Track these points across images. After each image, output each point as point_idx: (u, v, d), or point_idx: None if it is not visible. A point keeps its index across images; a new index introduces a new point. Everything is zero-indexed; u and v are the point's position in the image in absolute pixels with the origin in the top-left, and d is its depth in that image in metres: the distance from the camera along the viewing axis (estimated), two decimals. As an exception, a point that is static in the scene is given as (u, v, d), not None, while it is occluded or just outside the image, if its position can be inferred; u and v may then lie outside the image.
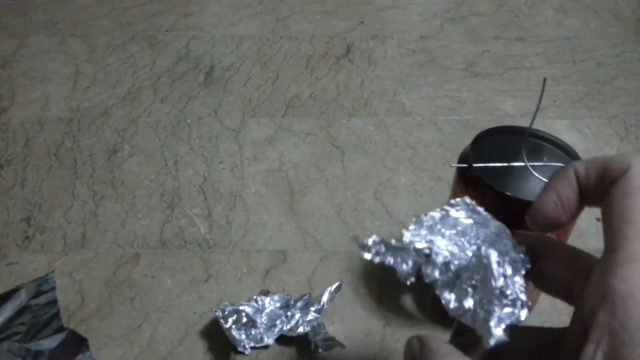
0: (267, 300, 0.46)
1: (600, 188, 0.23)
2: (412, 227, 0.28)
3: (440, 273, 0.26)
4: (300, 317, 0.45)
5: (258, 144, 0.64)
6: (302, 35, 0.80)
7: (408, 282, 0.26)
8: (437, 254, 0.25)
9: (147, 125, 0.65)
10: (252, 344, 0.43)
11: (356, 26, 0.83)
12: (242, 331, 0.43)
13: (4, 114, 0.66)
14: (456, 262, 0.26)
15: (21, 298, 0.47)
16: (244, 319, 0.44)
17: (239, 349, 0.43)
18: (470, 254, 0.26)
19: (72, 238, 0.53)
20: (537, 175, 0.39)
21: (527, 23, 0.86)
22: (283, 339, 0.45)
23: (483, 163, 0.39)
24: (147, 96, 0.69)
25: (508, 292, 0.23)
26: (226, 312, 0.44)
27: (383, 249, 0.27)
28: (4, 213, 0.55)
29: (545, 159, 0.40)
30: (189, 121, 0.66)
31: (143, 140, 0.63)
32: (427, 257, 0.26)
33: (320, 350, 0.43)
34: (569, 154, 0.41)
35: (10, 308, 0.46)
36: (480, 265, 0.25)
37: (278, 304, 0.46)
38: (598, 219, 0.57)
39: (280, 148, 0.63)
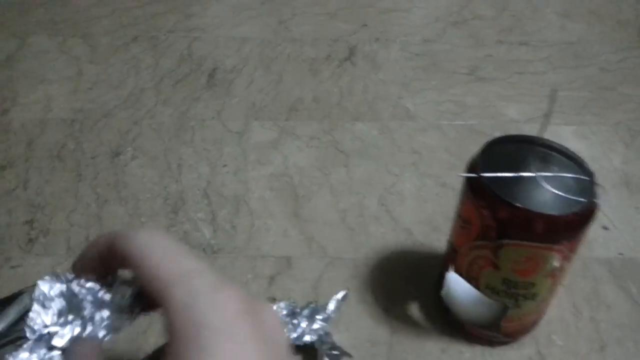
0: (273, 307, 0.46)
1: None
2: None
3: None
4: (306, 325, 0.45)
5: (262, 148, 0.63)
6: (305, 38, 0.80)
7: None
8: None
9: (150, 128, 0.64)
10: (258, 353, 0.43)
11: (359, 29, 0.83)
12: (249, 340, 0.43)
13: (5, 115, 0.65)
14: None
15: (25, 302, 0.46)
16: (251, 328, 0.43)
17: (245, 357, 0.42)
18: None
19: (75, 241, 0.52)
20: (546, 185, 0.38)
21: (530, 27, 0.85)
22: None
23: (491, 172, 0.39)
24: (150, 98, 0.68)
25: None
26: (232, 320, 0.44)
27: None
28: (6, 215, 0.54)
29: (554, 169, 0.40)
30: (192, 124, 0.65)
31: (146, 143, 0.62)
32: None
33: (326, 359, 0.43)
34: (578, 164, 0.41)
35: (13, 312, 0.46)
36: None
37: (284, 312, 0.46)
38: (605, 228, 0.57)
39: (284, 152, 0.63)
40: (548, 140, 0.41)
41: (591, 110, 0.71)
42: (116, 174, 0.59)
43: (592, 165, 0.60)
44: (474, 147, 0.41)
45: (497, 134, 0.66)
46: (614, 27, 0.86)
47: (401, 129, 0.67)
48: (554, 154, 0.41)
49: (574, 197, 0.38)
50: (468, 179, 0.40)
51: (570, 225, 0.38)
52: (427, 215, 0.57)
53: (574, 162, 0.41)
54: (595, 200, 0.38)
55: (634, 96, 0.73)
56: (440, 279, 0.47)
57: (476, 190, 0.39)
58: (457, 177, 0.41)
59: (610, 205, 0.59)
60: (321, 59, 0.77)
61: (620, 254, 0.54)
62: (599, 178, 0.40)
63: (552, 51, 0.81)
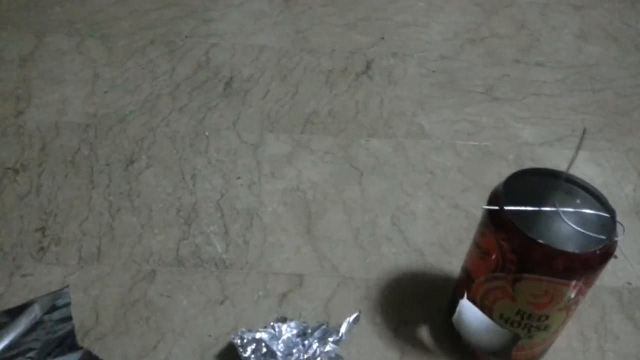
0: (284, 327, 0.46)
1: None
2: None
3: None
4: (317, 347, 0.44)
5: (276, 161, 0.63)
6: (322, 49, 0.80)
7: None
8: None
9: (165, 136, 0.64)
10: (270, 374, 0.43)
11: (377, 42, 0.82)
12: (261, 361, 0.43)
13: (20, 116, 0.65)
14: None
15: (35, 312, 0.47)
16: (264, 349, 0.43)
17: (256, 378, 0.42)
18: None
19: (87, 251, 0.52)
20: (568, 222, 0.38)
21: (547, 48, 0.85)
22: (299, 368, 0.44)
23: (514, 205, 0.39)
24: (166, 105, 0.68)
25: None
26: (244, 340, 0.44)
27: None
28: (18, 221, 0.54)
29: (577, 203, 0.40)
30: (207, 133, 0.65)
31: (161, 151, 0.62)
32: None
33: (337, 382, 0.43)
34: (600, 200, 0.40)
35: (24, 322, 0.46)
36: None
37: (295, 331, 0.46)
38: (614, 257, 0.56)
39: (299, 166, 0.63)
40: (571, 175, 0.41)
41: (605, 136, 0.71)
42: (129, 183, 0.59)
43: (603, 192, 0.60)
44: (487, 170, 0.41)
45: (512, 156, 0.67)
46: (631, 51, 0.86)
47: (416, 147, 0.67)
48: (577, 189, 0.41)
49: (595, 235, 0.38)
50: (490, 210, 0.40)
51: (589, 263, 0.38)
52: (439, 236, 0.57)
53: (596, 198, 0.41)
54: (614, 239, 0.38)
55: (649, 123, 0.73)
56: (452, 304, 0.47)
57: (498, 223, 0.39)
58: (476, 202, 0.41)
59: (621, 238, 0.58)
60: (338, 71, 0.77)
61: (628, 283, 0.54)
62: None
63: (568, 73, 0.81)
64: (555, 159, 0.66)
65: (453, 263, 0.54)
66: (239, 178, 0.61)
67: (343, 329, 0.46)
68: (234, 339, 0.44)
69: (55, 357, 0.43)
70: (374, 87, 0.75)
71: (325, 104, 0.71)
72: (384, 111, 0.71)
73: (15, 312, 0.46)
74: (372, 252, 0.55)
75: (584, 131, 0.36)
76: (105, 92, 0.69)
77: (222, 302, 0.49)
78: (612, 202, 0.62)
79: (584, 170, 0.65)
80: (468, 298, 0.44)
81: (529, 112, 0.73)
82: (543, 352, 0.46)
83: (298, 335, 0.46)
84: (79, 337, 0.46)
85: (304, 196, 0.60)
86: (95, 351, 0.45)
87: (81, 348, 0.44)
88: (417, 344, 0.48)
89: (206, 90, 0.71)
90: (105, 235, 0.54)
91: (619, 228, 0.39)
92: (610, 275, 0.55)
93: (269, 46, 0.79)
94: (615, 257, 0.57)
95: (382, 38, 0.83)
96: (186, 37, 0.79)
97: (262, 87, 0.72)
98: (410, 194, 0.61)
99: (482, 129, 0.70)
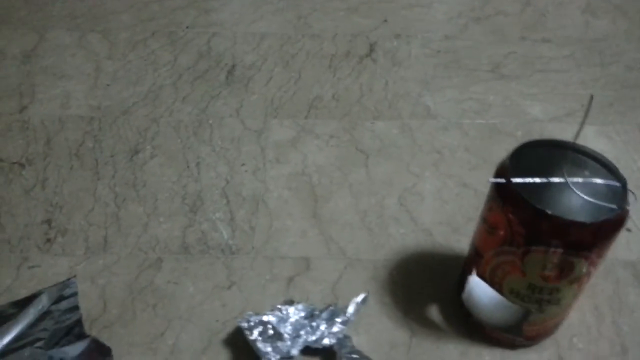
0: (291, 309, 0.46)
1: None
2: None
3: None
4: (325, 328, 0.44)
5: (281, 146, 0.63)
6: (325, 34, 0.79)
7: None
8: None
9: (168, 125, 0.64)
10: (277, 357, 0.42)
11: (379, 25, 0.81)
12: (268, 343, 0.42)
13: (24, 111, 0.65)
14: None
15: (43, 303, 0.47)
16: (270, 331, 0.43)
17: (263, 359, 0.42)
18: None
19: (93, 241, 0.52)
20: (577, 192, 0.37)
21: (553, 24, 0.83)
22: (307, 350, 0.44)
23: (521, 177, 0.38)
24: (169, 95, 0.68)
25: None
26: (251, 323, 0.43)
27: None
28: (25, 214, 0.54)
29: (586, 173, 0.39)
30: (210, 122, 0.65)
31: (165, 141, 0.62)
32: None
33: (346, 363, 0.43)
34: (610, 169, 0.39)
35: (32, 313, 0.46)
36: None
37: (302, 314, 0.46)
38: (628, 230, 0.55)
39: (304, 151, 0.62)
40: (579, 144, 0.40)
41: (616, 110, 0.69)
42: (134, 173, 0.59)
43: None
44: (495, 147, 0.40)
45: (520, 133, 0.65)
46: (640, 24, 0.84)
47: (422, 127, 0.66)
48: (585, 158, 0.40)
49: (605, 204, 0.37)
50: (497, 184, 0.39)
51: (600, 233, 0.37)
52: (447, 216, 0.56)
53: (606, 167, 0.40)
54: (626, 207, 0.37)
55: (661, 95, 0.72)
56: (461, 282, 0.46)
57: (505, 196, 0.38)
58: (484, 180, 0.40)
59: (633, 207, 0.57)
60: (341, 55, 0.76)
61: (645, 257, 0.53)
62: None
63: (575, 48, 0.79)
64: (565, 134, 0.64)
65: (462, 241, 0.53)
66: (243, 165, 0.60)
67: (351, 310, 0.45)
68: (240, 322, 0.44)
69: (62, 346, 0.44)
70: (377, 70, 0.74)
71: (329, 88, 0.70)
72: (389, 93, 0.70)
73: (23, 304, 0.46)
74: (380, 233, 0.54)
75: (591, 98, 0.36)
76: (108, 85, 0.69)
77: (229, 288, 0.49)
78: (624, 175, 0.61)
79: (595, 144, 0.64)
80: (477, 274, 0.43)
81: (536, 89, 0.72)
82: (555, 326, 0.45)
83: (305, 317, 0.45)
84: (86, 325, 0.46)
85: (310, 180, 0.59)
86: (103, 339, 0.45)
87: (88, 336, 0.44)
88: (426, 323, 0.47)
89: (208, 79, 0.71)
90: (111, 225, 0.54)
91: (630, 197, 0.38)
92: (624, 248, 0.54)
93: (270, 33, 0.78)
94: (629, 230, 0.56)
95: (385, 20, 0.82)
96: (187, 27, 0.79)
97: (265, 74, 0.72)
98: (417, 175, 0.60)
99: (489, 107, 0.69)
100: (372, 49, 0.77)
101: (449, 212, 0.57)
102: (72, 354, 0.43)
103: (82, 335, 0.45)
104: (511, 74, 0.74)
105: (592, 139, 0.65)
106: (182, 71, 0.71)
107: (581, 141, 0.41)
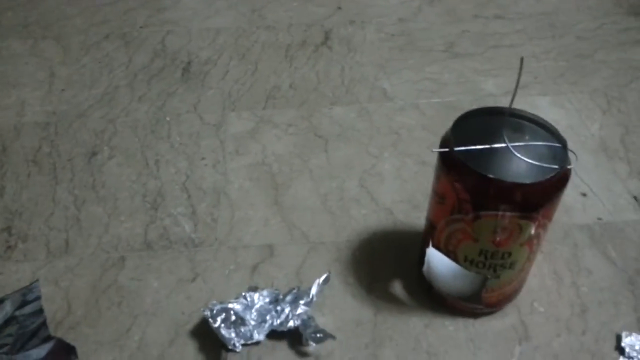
0: (256, 296, 0.46)
1: None
2: None
3: None
4: (289, 311, 0.45)
5: (240, 138, 0.63)
6: (279, 25, 0.79)
7: None
8: None
9: (125, 126, 0.64)
10: (242, 342, 0.43)
11: (333, 12, 0.82)
12: (232, 329, 0.43)
13: (-22, 122, 0.65)
14: None
15: (6, 309, 0.46)
16: (233, 317, 0.43)
17: (230, 347, 0.42)
18: None
19: (55, 245, 0.52)
20: (518, 155, 0.38)
21: (505, 0, 0.85)
22: (274, 334, 0.45)
23: (464, 146, 0.39)
24: (124, 95, 0.68)
25: None
26: (214, 311, 0.44)
27: None
28: (-16, 223, 0.54)
29: (526, 138, 0.40)
30: (168, 119, 0.65)
31: (122, 141, 0.62)
32: None
33: (311, 343, 0.43)
34: (550, 132, 0.40)
35: (-5, 320, 0.46)
36: None
37: (267, 299, 0.46)
38: (584, 194, 0.57)
39: (263, 141, 0.63)
40: (519, 110, 0.41)
41: (568, 79, 0.71)
42: (93, 175, 0.58)
43: (569, 133, 0.60)
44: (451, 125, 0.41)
45: (475, 108, 0.66)
46: (589, -5, 0.86)
47: (379, 110, 0.67)
48: (526, 123, 0.41)
49: (547, 165, 0.38)
50: (441, 154, 0.40)
51: (543, 193, 0.38)
52: (407, 194, 0.57)
53: (546, 130, 0.41)
54: (567, 167, 0.38)
55: (611, 63, 0.73)
56: (421, 256, 0.47)
57: (449, 164, 0.39)
58: (432, 152, 0.41)
59: (588, 171, 0.59)
60: (297, 44, 0.76)
61: (599, 219, 0.54)
62: (577, 146, 0.40)
63: (527, 23, 0.80)
64: (519, 107, 0.66)
65: (422, 218, 0.54)
66: (203, 159, 0.60)
67: (313, 291, 0.46)
68: (204, 311, 0.44)
69: (28, 349, 0.43)
70: (334, 57, 0.74)
71: (286, 78, 0.71)
72: (346, 79, 0.71)
73: (-15, 311, 0.46)
74: (341, 216, 0.55)
75: (522, 60, 0.36)
76: (63, 90, 0.69)
77: (193, 280, 0.49)
78: (578, 142, 0.62)
79: (549, 114, 0.65)
80: (433, 246, 0.44)
81: (490, 65, 0.73)
82: (515, 292, 0.46)
83: (270, 303, 0.46)
84: (52, 328, 0.46)
85: (270, 169, 0.59)
86: (69, 340, 0.44)
87: (54, 338, 0.44)
88: (390, 299, 0.48)
89: (164, 77, 0.70)
90: (72, 227, 0.54)
91: (571, 156, 0.39)
92: (580, 212, 0.55)
93: (225, 28, 0.79)
94: (584, 194, 0.57)
95: (339, 8, 0.83)
96: (141, 27, 0.78)
97: (221, 68, 0.72)
98: (377, 156, 0.61)
99: (445, 85, 0.70)
100: (327, 36, 0.78)
101: (408, 190, 0.57)
102: (37, 356, 0.43)
103: (47, 338, 0.44)
104: (465, 52, 0.75)
105: (546, 109, 0.66)
106: (137, 71, 0.71)
107: (535, 111, 0.42)
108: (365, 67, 0.73)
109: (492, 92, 0.69)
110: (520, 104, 0.41)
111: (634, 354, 0.43)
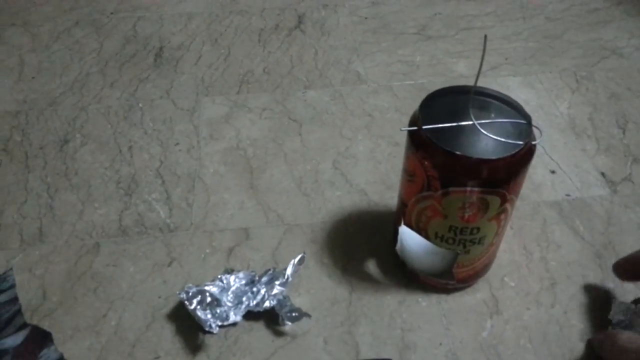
0: (231, 278, 0.46)
1: None
2: None
3: None
4: (265, 291, 0.45)
5: (214, 123, 0.63)
6: (252, 9, 0.79)
7: None
8: None
9: (97, 112, 0.63)
10: (218, 323, 0.43)
11: (306, -4, 0.82)
12: (208, 311, 0.43)
13: (-54, 112, 0.63)
14: None
15: (-19, 298, 0.46)
16: (208, 299, 0.44)
17: (206, 328, 0.43)
18: None
19: (28, 233, 0.52)
20: (485, 132, 0.39)
21: (476, -18, 0.85)
22: (250, 315, 0.45)
23: (432, 125, 0.39)
24: (96, 82, 0.67)
25: None
26: (190, 294, 0.44)
27: None
28: (-45, 214, 0.53)
29: (492, 115, 0.41)
30: (140, 105, 0.64)
31: (95, 128, 0.62)
32: None
33: (287, 322, 0.44)
34: (516, 109, 0.41)
35: (-31, 309, 0.45)
36: None
37: (243, 281, 0.46)
38: (552, 172, 0.58)
39: (237, 125, 0.63)
40: (485, 88, 0.42)
41: (538, 60, 0.72)
42: (65, 162, 0.58)
43: (539, 113, 0.61)
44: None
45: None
46: (558, -24, 0.87)
47: (353, 93, 0.67)
48: (493, 101, 0.42)
49: (512, 141, 0.38)
50: (410, 132, 0.41)
51: (509, 168, 0.39)
52: (381, 175, 0.58)
53: (512, 107, 0.41)
54: (532, 142, 0.39)
55: (580, 42, 0.75)
56: (394, 234, 0.48)
57: (417, 143, 0.40)
58: (401, 131, 0.42)
59: (557, 150, 0.60)
60: (270, 29, 0.76)
61: (567, 195, 0.56)
62: (546, 125, 0.40)
63: (498, 4, 0.81)
64: (490, 87, 0.67)
65: (395, 198, 0.54)
66: (177, 144, 0.60)
67: (289, 271, 0.46)
68: (180, 294, 0.44)
69: (2, 338, 0.43)
70: (307, 40, 0.74)
71: (260, 63, 0.71)
72: (319, 62, 0.71)
73: (-42, 301, 0.46)
74: (316, 197, 0.55)
75: (485, 37, 0.37)
76: (33, 78, 0.68)
77: (169, 264, 0.49)
78: (548, 121, 0.63)
79: (519, 94, 0.67)
80: (405, 224, 0.45)
81: (462, 46, 0.74)
82: (485, 267, 0.47)
83: (246, 284, 0.46)
84: (27, 316, 0.46)
85: (245, 154, 0.60)
86: (45, 327, 0.45)
87: (29, 325, 0.44)
88: (365, 277, 0.49)
89: (136, 63, 0.70)
90: (45, 215, 0.53)
91: (536, 132, 0.40)
92: (549, 189, 0.56)
93: (197, 12, 0.78)
94: (553, 172, 0.58)
95: (312, -9, 0.83)
96: (111, 13, 0.77)
97: (194, 53, 0.72)
98: (350, 138, 0.62)
99: (417, 67, 0.71)
100: (300, 20, 0.78)
101: (382, 171, 0.58)
102: (13, 344, 0.43)
103: (23, 325, 0.45)
104: (437, 34, 0.76)
105: (517, 89, 0.67)
106: (108, 58, 0.70)
107: (506, 92, 0.42)
108: (338, 50, 0.73)
109: (464, 74, 0.70)
110: (491, 85, 0.42)
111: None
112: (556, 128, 0.63)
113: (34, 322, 0.45)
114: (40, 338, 0.43)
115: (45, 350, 0.42)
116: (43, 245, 0.51)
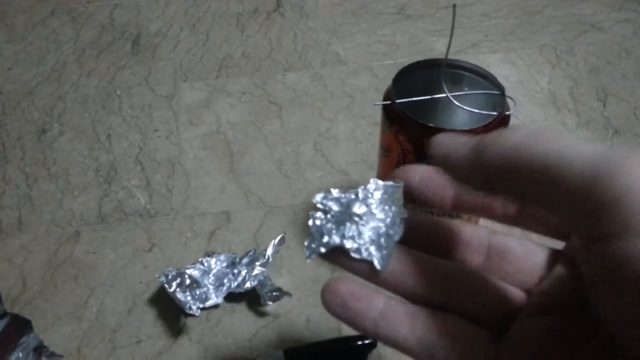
0: (212, 261, 0.46)
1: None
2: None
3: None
4: (246, 273, 0.45)
5: (193, 109, 0.62)
6: (230, -6, 0.78)
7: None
8: None
9: (75, 101, 0.63)
10: (198, 304, 0.43)
11: (285, -21, 0.81)
12: (187, 293, 0.43)
13: None
14: None
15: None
16: (188, 281, 0.44)
17: (187, 310, 0.43)
18: None
19: (7, 223, 0.51)
20: (458, 104, 0.39)
21: (456, -39, 0.85)
22: (232, 297, 0.45)
23: (406, 98, 0.39)
24: (73, 71, 0.66)
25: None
26: (170, 277, 0.44)
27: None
28: None
29: (466, 88, 0.40)
30: (118, 92, 0.64)
31: (72, 117, 0.61)
32: None
33: (268, 302, 0.44)
34: (489, 80, 0.41)
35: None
36: None
37: (224, 264, 0.46)
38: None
39: (216, 110, 0.62)
40: (458, 60, 0.42)
41: (518, 36, 0.72)
42: (44, 152, 0.57)
43: (519, 89, 0.61)
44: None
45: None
46: (538, -48, 0.87)
47: (332, 74, 0.67)
48: (466, 73, 0.42)
49: (486, 112, 0.38)
50: (384, 107, 0.41)
51: (482, 140, 0.39)
52: (362, 154, 0.57)
53: (485, 79, 0.41)
54: (506, 113, 0.39)
55: (559, 17, 0.74)
56: (375, 213, 0.48)
57: (392, 117, 0.40)
58: (374, 106, 0.41)
59: (538, 124, 0.60)
60: (248, 13, 0.76)
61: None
62: (526, 100, 0.40)
63: (478, -18, 0.81)
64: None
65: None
66: (156, 130, 0.60)
67: (269, 252, 0.46)
68: (159, 278, 0.44)
69: (-18, 327, 0.43)
70: (286, 23, 0.74)
71: (238, 47, 0.70)
72: (298, 45, 0.71)
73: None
74: (297, 179, 0.55)
75: (454, 6, 0.37)
76: (9, 69, 0.67)
77: (150, 250, 0.49)
78: (528, 96, 0.63)
79: (499, 70, 0.66)
80: (383, 200, 0.45)
81: (441, 25, 0.74)
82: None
83: (227, 267, 0.46)
84: (8, 305, 0.45)
85: (225, 138, 0.59)
86: (26, 315, 0.44)
87: (9, 314, 0.44)
88: (347, 256, 0.49)
89: (113, 50, 0.69)
90: (24, 205, 0.53)
91: (510, 102, 0.40)
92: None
93: (174, -1, 0.77)
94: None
95: (290, -26, 0.82)
96: (88, 2, 0.76)
97: (172, 39, 0.71)
98: (331, 119, 0.61)
99: (397, 47, 0.70)
100: (279, 3, 0.77)
101: (363, 150, 0.58)
102: (-8, 334, 0.43)
103: (2, 315, 0.44)
104: (416, 13, 0.75)
105: (497, 66, 0.67)
106: (85, 46, 0.70)
107: (486, 68, 0.42)
108: (318, 32, 0.73)
109: (444, 52, 0.69)
110: (471, 62, 0.42)
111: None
112: (537, 103, 0.63)
113: (15, 311, 0.45)
114: (20, 326, 0.43)
115: (24, 338, 0.42)
116: (22, 234, 0.51)
